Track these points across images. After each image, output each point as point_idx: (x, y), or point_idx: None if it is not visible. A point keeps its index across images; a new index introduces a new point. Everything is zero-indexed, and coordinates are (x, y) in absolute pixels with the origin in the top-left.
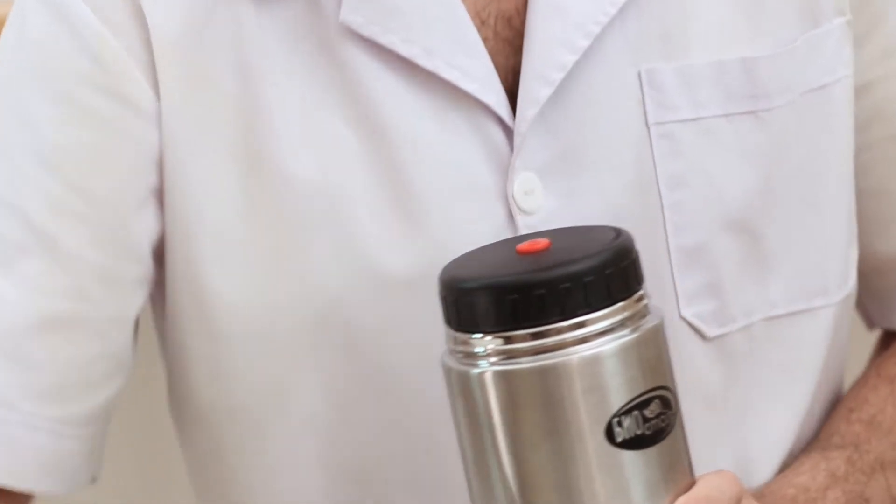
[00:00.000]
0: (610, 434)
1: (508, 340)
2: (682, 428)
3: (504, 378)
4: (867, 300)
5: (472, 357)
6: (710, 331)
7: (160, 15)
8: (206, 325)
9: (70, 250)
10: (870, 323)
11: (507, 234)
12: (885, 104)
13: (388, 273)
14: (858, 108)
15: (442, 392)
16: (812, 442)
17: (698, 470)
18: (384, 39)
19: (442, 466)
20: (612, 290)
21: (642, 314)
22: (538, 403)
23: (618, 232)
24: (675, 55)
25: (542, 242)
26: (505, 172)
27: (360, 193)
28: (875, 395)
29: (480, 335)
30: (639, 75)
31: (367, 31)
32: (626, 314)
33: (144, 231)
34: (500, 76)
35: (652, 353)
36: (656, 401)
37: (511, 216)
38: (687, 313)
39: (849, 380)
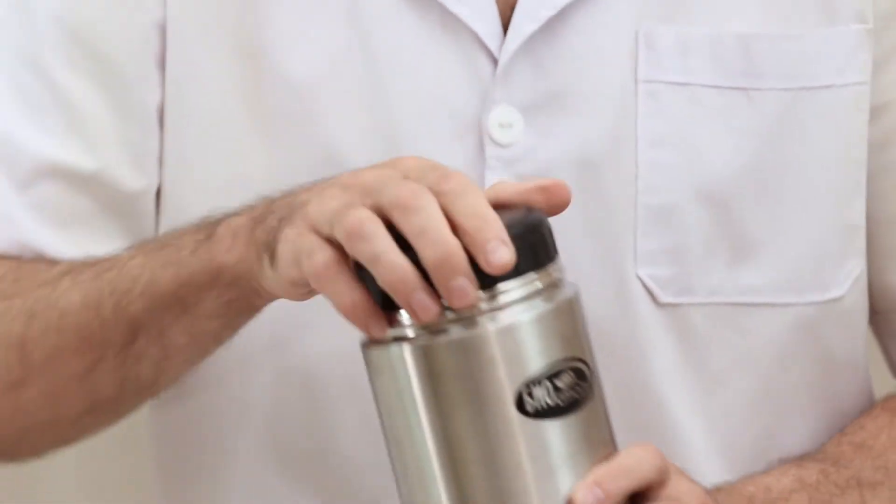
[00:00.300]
0: (521, 404)
1: None
2: (602, 400)
3: (421, 352)
4: (888, 342)
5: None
6: (663, 296)
7: None
8: (181, 201)
9: (87, 110)
10: (894, 369)
11: (476, 164)
12: None
13: None
14: (875, 129)
15: None
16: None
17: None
18: None
19: None
20: (525, 260)
21: (556, 286)
22: (454, 376)
23: (530, 209)
24: (675, 20)
25: None
26: (484, 102)
27: (340, 95)
28: (873, 423)
29: (396, 311)
30: (636, 34)
31: None
32: (538, 285)
33: (153, 100)
34: (500, 11)
35: (566, 324)
36: (569, 372)
37: (482, 146)
38: (642, 272)
39: None
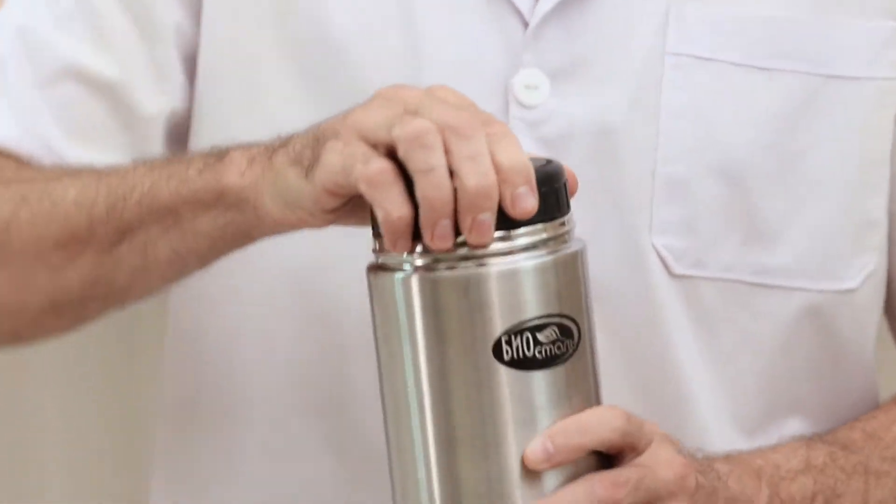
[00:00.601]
0: (498, 351)
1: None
2: (590, 362)
3: (422, 284)
4: None
5: (396, 263)
6: (677, 267)
7: None
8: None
9: (114, 24)
10: None
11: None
12: None
13: None
14: None
15: None
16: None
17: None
18: None
19: None
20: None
21: (559, 241)
22: (443, 312)
23: (549, 161)
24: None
25: None
26: (512, 64)
27: (376, 52)
28: (886, 415)
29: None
30: (667, 7)
31: None
32: (542, 237)
33: (176, 30)
34: None
35: (560, 280)
36: (553, 327)
37: (507, 107)
38: (657, 242)
39: None
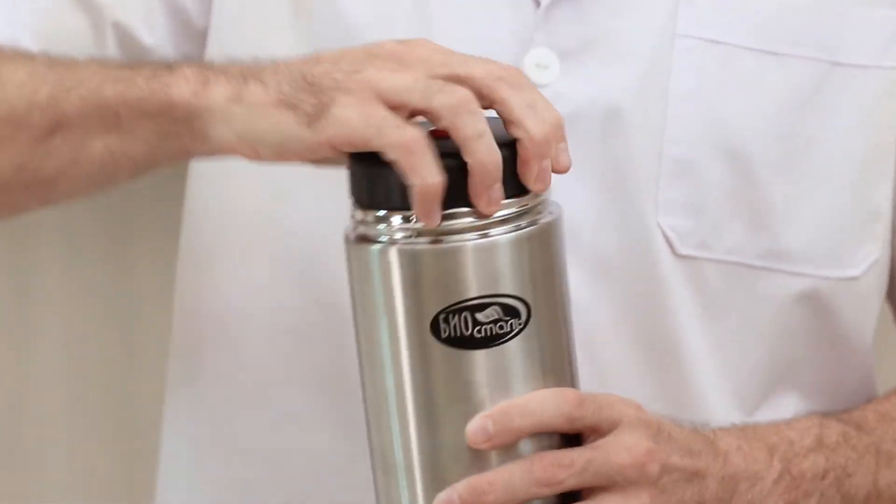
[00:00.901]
0: (435, 328)
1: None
2: (543, 342)
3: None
4: None
5: (373, 234)
6: (681, 247)
7: None
8: None
9: None
10: None
11: None
12: None
13: None
14: None
15: None
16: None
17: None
18: None
19: None
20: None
21: (512, 220)
22: (396, 285)
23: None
24: None
25: (443, 131)
26: (523, 43)
27: (389, 32)
28: None
29: (384, 212)
30: None
31: None
32: (506, 211)
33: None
34: None
35: (508, 260)
36: (494, 307)
37: None
38: (662, 222)
39: None
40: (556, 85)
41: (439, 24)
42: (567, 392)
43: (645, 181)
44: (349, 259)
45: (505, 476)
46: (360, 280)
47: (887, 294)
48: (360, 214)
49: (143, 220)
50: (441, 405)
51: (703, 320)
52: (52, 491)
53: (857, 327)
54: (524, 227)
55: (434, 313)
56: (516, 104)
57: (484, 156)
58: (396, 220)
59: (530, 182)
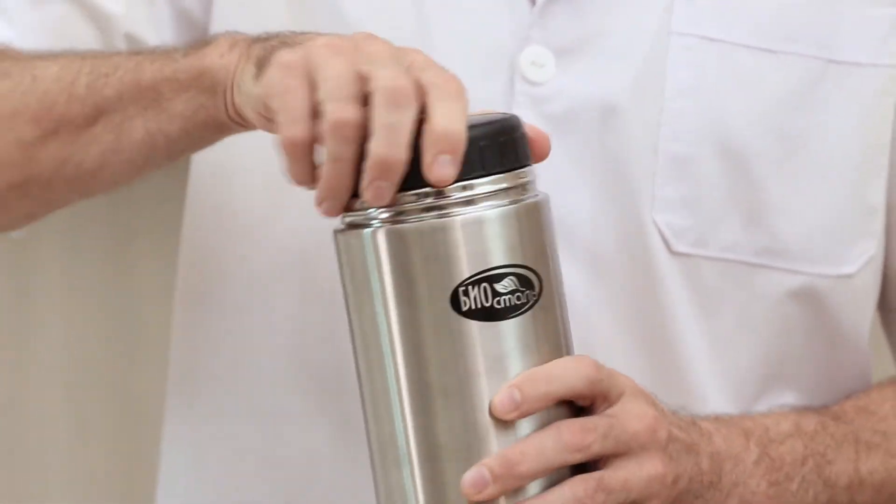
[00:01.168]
0: (455, 301)
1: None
2: (555, 313)
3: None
4: None
5: (362, 220)
6: (677, 245)
7: None
8: None
9: None
10: None
11: (506, 97)
12: None
13: None
14: None
15: None
16: None
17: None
18: None
19: None
20: (487, 160)
21: (521, 191)
22: (405, 264)
23: (506, 115)
24: None
25: None
26: (519, 41)
27: (388, 30)
28: (879, 393)
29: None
30: None
31: None
32: (500, 186)
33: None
34: None
35: (518, 231)
36: (511, 277)
37: (512, 84)
38: (658, 219)
39: None
40: (553, 83)
41: (436, 22)
42: (584, 357)
43: (641, 178)
44: (341, 251)
45: (536, 444)
46: (355, 270)
47: (879, 300)
48: (357, 203)
49: (143, 220)
50: (461, 382)
51: (699, 317)
52: (52, 491)
53: (854, 325)
54: (533, 198)
55: (453, 287)
56: (376, 123)
57: (385, 149)
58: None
59: (427, 174)
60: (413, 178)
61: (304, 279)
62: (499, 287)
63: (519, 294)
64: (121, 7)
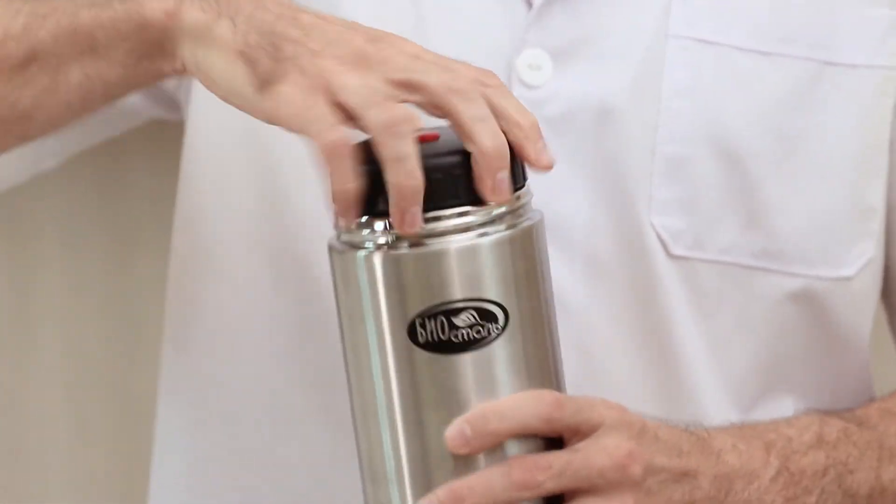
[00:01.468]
0: (413, 333)
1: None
2: (523, 346)
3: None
4: None
5: (356, 241)
6: (675, 248)
7: None
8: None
9: None
10: None
11: None
12: None
13: None
14: None
15: None
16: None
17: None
18: None
19: None
20: (450, 192)
21: (489, 224)
22: (379, 290)
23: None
24: None
25: (432, 135)
26: (516, 44)
27: (381, 25)
28: None
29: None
30: None
31: None
32: (466, 219)
33: None
34: None
35: (481, 265)
36: (470, 311)
37: (509, 87)
38: (656, 221)
39: None
40: (549, 85)
41: (433, 24)
42: (544, 394)
43: (638, 181)
44: (334, 268)
45: (484, 480)
46: (345, 287)
47: (882, 294)
48: (342, 222)
49: (143, 220)
50: (422, 411)
51: (698, 320)
52: (52, 491)
53: (853, 327)
54: (502, 232)
55: (411, 318)
56: (466, 117)
57: (400, 179)
58: (379, 225)
59: (487, 194)
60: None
61: (301, 281)
62: (456, 321)
63: (479, 328)
64: None
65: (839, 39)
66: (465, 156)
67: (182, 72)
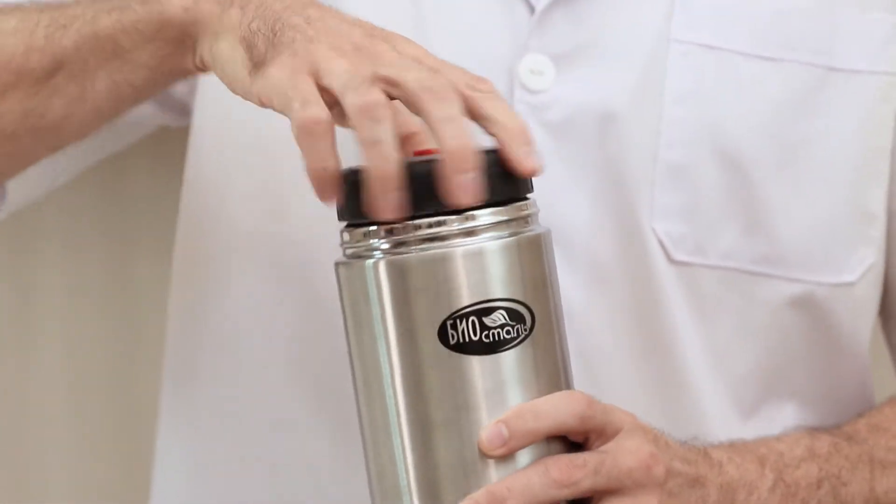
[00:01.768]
0: (443, 335)
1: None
2: (550, 348)
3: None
4: None
5: (364, 250)
6: (676, 253)
7: None
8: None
9: None
10: None
11: None
12: None
13: None
14: None
15: None
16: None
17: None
18: None
19: None
20: (492, 191)
21: (521, 223)
22: (396, 295)
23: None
24: None
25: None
26: (518, 49)
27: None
28: (892, 410)
29: (373, 227)
30: None
31: None
32: (497, 218)
33: None
34: None
35: (513, 264)
36: (501, 311)
37: (511, 92)
38: (657, 227)
39: None
40: (552, 90)
41: (434, 30)
42: (576, 393)
43: (640, 186)
44: (341, 283)
45: (523, 480)
46: (355, 300)
47: (880, 307)
48: (349, 235)
49: (143, 221)
50: (451, 415)
51: (699, 325)
52: (52, 491)
53: (854, 333)
54: (522, 233)
55: (441, 319)
56: (434, 117)
57: (375, 162)
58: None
59: (449, 195)
60: (418, 205)
61: (303, 286)
62: (488, 321)
63: (508, 328)
64: None
65: (841, 45)
66: (488, 154)
67: (202, 68)
